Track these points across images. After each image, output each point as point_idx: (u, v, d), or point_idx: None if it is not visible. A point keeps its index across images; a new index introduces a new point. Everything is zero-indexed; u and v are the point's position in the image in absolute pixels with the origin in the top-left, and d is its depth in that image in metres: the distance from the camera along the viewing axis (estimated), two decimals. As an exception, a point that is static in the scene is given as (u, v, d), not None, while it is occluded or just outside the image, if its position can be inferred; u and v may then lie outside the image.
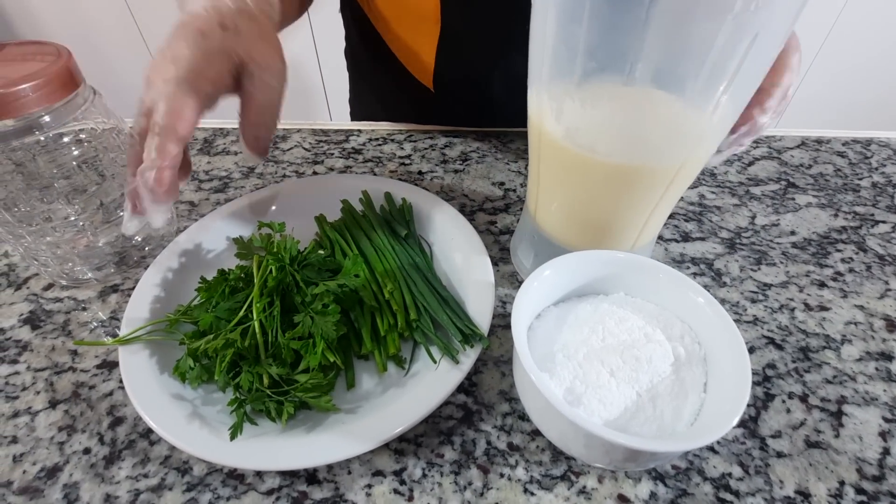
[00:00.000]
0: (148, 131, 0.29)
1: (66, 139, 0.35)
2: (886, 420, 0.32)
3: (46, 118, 0.33)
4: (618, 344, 0.27)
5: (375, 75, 0.63)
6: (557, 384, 0.26)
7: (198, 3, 0.32)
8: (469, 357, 0.31)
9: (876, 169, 0.53)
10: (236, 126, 0.59)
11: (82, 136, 0.35)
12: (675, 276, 0.29)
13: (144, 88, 0.30)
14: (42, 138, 0.33)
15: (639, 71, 0.24)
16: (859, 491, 0.28)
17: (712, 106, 0.25)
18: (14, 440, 0.31)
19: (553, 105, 0.28)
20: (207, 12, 0.31)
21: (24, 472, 0.29)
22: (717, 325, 0.27)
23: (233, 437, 0.28)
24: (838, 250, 0.43)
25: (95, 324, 0.37)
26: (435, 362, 0.31)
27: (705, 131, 0.26)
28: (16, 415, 0.32)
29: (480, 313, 0.34)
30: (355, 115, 0.72)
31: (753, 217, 0.46)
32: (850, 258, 0.42)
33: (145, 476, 0.29)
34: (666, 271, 0.29)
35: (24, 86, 0.31)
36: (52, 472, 0.29)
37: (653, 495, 0.28)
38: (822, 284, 0.40)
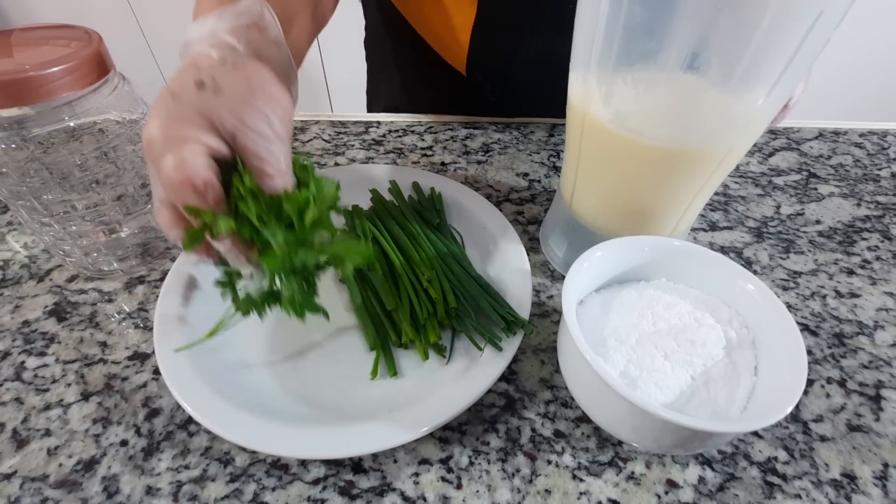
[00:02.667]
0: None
1: (93, 127, 0.34)
2: (925, 404, 0.32)
3: (75, 104, 0.32)
4: (669, 328, 0.27)
5: (400, 63, 0.62)
6: (612, 368, 0.26)
7: (193, 49, 0.27)
8: (511, 345, 0.31)
9: (894, 160, 0.53)
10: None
11: (111, 120, 0.34)
12: (725, 263, 0.29)
13: None
14: (71, 125, 0.33)
15: (694, 54, 0.24)
16: (904, 473, 0.29)
17: (767, 90, 0.25)
18: (47, 433, 0.30)
19: (602, 89, 0.28)
20: (185, 66, 0.26)
21: (60, 465, 0.28)
22: (767, 311, 0.27)
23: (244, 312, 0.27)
24: (864, 238, 0.44)
25: (123, 316, 0.36)
26: (480, 349, 0.31)
27: (756, 115, 0.26)
28: (47, 407, 0.31)
29: (519, 301, 0.33)
30: (372, 108, 0.71)
31: (778, 207, 0.47)
32: (876, 246, 0.43)
33: (186, 467, 0.28)
34: (717, 258, 0.29)
35: (54, 69, 0.30)
36: (89, 465, 0.28)
37: (701, 480, 0.28)
38: (850, 272, 0.40)
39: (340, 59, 1.43)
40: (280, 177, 0.26)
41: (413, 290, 0.34)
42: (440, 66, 0.56)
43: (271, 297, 0.28)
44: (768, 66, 0.24)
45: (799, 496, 0.28)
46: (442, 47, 0.55)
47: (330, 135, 0.55)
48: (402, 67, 0.62)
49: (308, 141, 0.54)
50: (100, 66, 0.32)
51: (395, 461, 0.29)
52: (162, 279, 0.35)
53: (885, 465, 0.29)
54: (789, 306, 0.38)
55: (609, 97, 0.27)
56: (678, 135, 0.27)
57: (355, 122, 0.57)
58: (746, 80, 0.25)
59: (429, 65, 0.57)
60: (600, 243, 0.29)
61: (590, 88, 0.28)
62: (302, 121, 0.57)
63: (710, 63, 0.24)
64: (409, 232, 0.37)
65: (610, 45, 0.26)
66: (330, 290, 0.37)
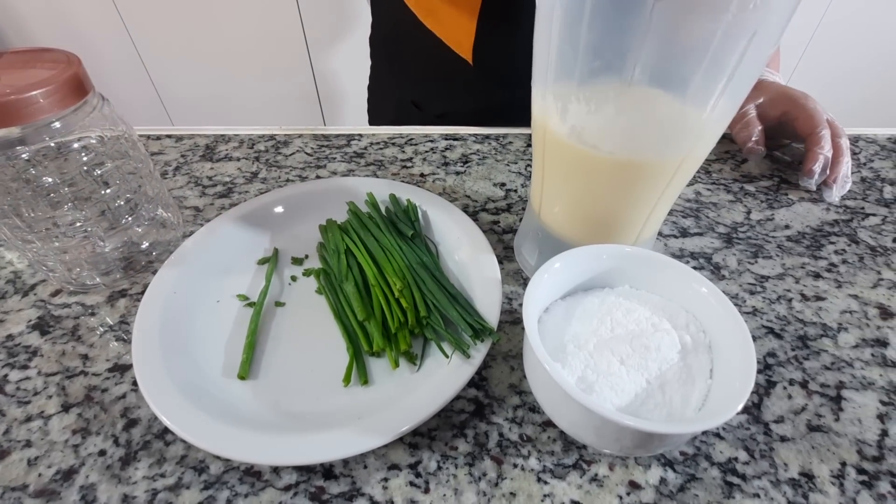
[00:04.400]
0: None
1: (74, 146, 0.35)
2: (883, 403, 0.33)
3: (57, 125, 0.33)
4: (626, 334, 0.28)
5: (412, 56, 0.64)
6: (570, 373, 0.27)
7: None
8: (479, 352, 0.32)
9: (864, 164, 0.54)
10: (237, 132, 0.60)
11: (92, 141, 0.36)
12: (679, 267, 0.30)
13: None
14: (52, 144, 0.34)
15: (641, 70, 0.25)
16: (860, 471, 0.29)
17: (712, 103, 0.26)
18: (28, 444, 0.31)
19: (558, 105, 0.29)
20: None
21: (40, 475, 0.29)
22: (720, 314, 0.28)
23: None
24: (831, 242, 0.45)
25: (105, 329, 0.37)
26: (447, 357, 0.32)
27: (705, 127, 0.28)
28: (28, 419, 0.32)
29: (488, 309, 0.34)
30: (379, 105, 0.73)
31: (748, 212, 0.48)
32: (843, 250, 0.44)
33: (162, 476, 0.29)
34: (671, 263, 0.30)
35: (34, 92, 0.31)
36: (67, 475, 0.29)
37: (663, 481, 0.29)
38: (817, 275, 0.41)
39: (332, 70, 1.45)
40: None
41: (385, 300, 0.35)
42: (448, 56, 0.58)
43: None
44: (713, 81, 0.25)
45: (757, 495, 0.28)
46: (449, 37, 0.57)
47: (312, 148, 0.56)
48: (414, 60, 0.63)
49: (291, 154, 0.55)
50: (79, 88, 0.33)
51: (365, 467, 0.29)
52: (143, 292, 0.36)
53: (843, 464, 0.30)
54: (755, 310, 0.39)
55: (565, 113, 0.29)
56: (632, 147, 0.28)
57: (337, 136, 0.58)
58: (692, 94, 0.26)
59: (438, 55, 0.58)
60: (559, 254, 0.30)
61: (547, 104, 0.30)
62: (286, 135, 0.58)
63: (654, 77, 0.25)
64: (384, 244, 0.38)
65: (562, 62, 0.27)
66: (305, 301, 0.38)
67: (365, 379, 0.32)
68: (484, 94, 0.62)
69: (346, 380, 0.32)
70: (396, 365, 0.33)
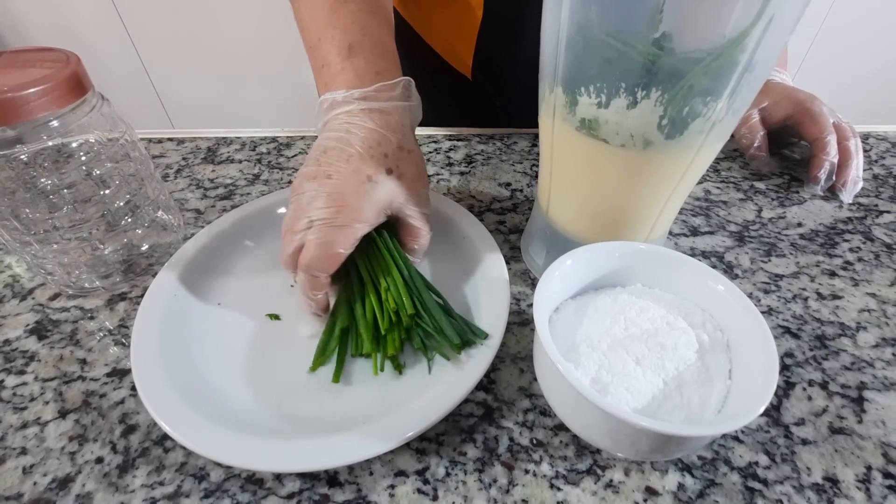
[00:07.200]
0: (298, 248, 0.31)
1: (73, 145, 0.35)
2: (908, 405, 0.32)
3: (54, 123, 0.33)
4: (641, 333, 0.27)
5: (409, 69, 0.64)
6: (583, 374, 0.26)
7: (358, 136, 0.31)
8: (487, 354, 0.31)
9: (876, 161, 0.53)
10: (239, 134, 0.59)
11: (91, 141, 0.35)
12: (694, 264, 0.29)
13: (296, 214, 0.31)
14: (50, 144, 0.33)
15: (654, 58, 0.24)
16: (887, 475, 0.28)
17: (728, 92, 0.25)
18: (23, 451, 0.30)
19: (567, 98, 0.28)
20: (373, 155, 0.31)
21: (35, 483, 0.28)
22: (738, 312, 0.27)
23: None
24: (846, 240, 0.44)
25: (104, 333, 0.36)
26: (429, 360, 0.31)
27: (720, 118, 0.27)
28: (24, 426, 0.31)
29: (496, 310, 0.33)
30: None
31: (760, 210, 0.47)
32: (858, 247, 0.43)
33: (161, 484, 0.28)
34: (686, 261, 0.29)
35: (32, 90, 0.31)
36: (63, 483, 0.28)
37: (681, 486, 0.28)
38: (832, 274, 0.40)
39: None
40: (424, 247, 0.35)
41: (378, 301, 0.33)
42: (446, 71, 0.58)
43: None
44: (726, 70, 0.24)
45: (780, 501, 0.27)
46: (448, 52, 0.56)
47: (315, 150, 0.55)
48: (413, 73, 0.63)
49: (293, 156, 0.54)
50: (77, 87, 0.33)
51: (371, 473, 0.28)
52: (143, 295, 0.35)
53: (868, 468, 0.29)
54: (771, 309, 0.38)
55: (574, 106, 0.28)
56: (643, 141, 0.27)
57: (340, 137, 0.57)
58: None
59: (437, 68, 0.58)
60: (570, 251, 0.29)
61: (557, 97, 0.29)
62: (288, 136, 0.58)
63: (667, 65, 0.24)
64: (378, 244, 0.37)
65: (571, 58, 0.26)
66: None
67: (337, 378, 0.31)
68: (479, 107, 0.61)
69: (336, 378, 0.31)
70: (381, 369, 0.32)
